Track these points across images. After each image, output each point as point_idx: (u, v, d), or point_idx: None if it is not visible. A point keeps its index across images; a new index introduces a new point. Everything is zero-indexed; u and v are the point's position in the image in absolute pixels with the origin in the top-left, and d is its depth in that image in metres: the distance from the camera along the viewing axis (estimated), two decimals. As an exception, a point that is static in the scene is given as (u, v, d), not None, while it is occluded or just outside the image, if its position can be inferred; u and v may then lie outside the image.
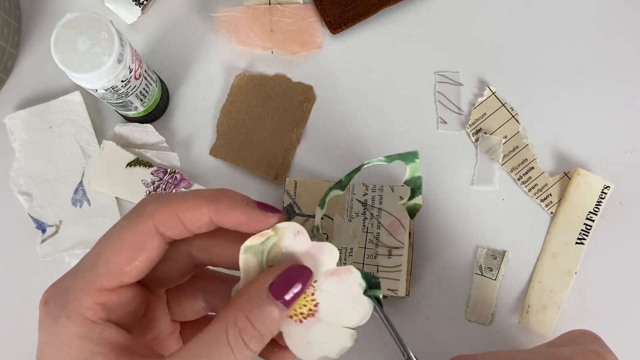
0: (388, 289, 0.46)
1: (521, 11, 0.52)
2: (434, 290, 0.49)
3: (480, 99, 0.51)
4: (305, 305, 0.28)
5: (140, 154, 0.49)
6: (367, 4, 0.51)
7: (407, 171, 0.38)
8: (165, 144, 0.50)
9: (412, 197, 0.39)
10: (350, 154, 0.51)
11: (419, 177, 0.38)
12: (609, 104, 0.51)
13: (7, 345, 0.49)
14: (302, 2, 0.52)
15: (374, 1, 0.51)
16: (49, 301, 0.28)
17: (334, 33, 0.52)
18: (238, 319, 0.26)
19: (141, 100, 0.46)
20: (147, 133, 0.50)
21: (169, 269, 0.30)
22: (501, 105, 0.51)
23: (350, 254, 0.47)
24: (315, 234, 0.34)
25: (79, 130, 0.50)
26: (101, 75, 0.40)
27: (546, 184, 0.50)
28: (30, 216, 0.49)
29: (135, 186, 0.48)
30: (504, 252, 0.49)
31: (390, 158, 0.36)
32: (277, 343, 0.29)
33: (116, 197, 0.49)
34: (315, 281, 0.29)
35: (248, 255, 0.28)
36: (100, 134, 0.51)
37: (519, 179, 0.50)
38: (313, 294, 0.28)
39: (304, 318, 0.28)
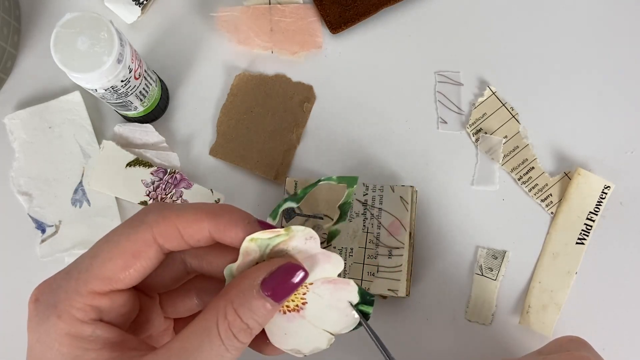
0: (388, 289, 0.46)
1: (521, 11, 0.52)
2: (434, 290, 0.49)
3: (480, 99, 0.51)
4: (293, 301, 0.28)
5: (140, 154, 0.49)
6: (367, 4, 0.51)
7: (344, 194, 0.40)
8: (165, 144, 0.50)
9: (338, 221, 0.41)
10: (350, 154, 0.51)
11: (349, 203, 0.41)
12: (609, 104, 0.51)
13: (7, 345, 0.49)
14: (302, 2, 0.52)
15: (374, 1, 0.51)
16: (40, 299, 0.27)
17: (334, 33, 0.52)
18: (227, 312, 0.26)
19: (141, 100, 0.46)
20: (147, 133, 0.50)
21: (163, 275, 0.30)
22: (501, 105, 0.51)
23: (351, 254, 0.47)
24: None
25: (78, 130, 0.50)
26: (101, 75, 0.40)
27: (546, 184, 0.50)
28: (30, 216, 0.49)
29: (135, 186, 0.48)
30: (504, 252, 0.49)
31: (339, 179, 0.38)
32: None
33: (116, 197, 0.49)
34: (311, 283, 0.29)
35: (252, 244, 0.28)
36: (100, 134, 0.51)
37: (519, 179, 0.50)
38: (304, 294, 0.29)
39: (289, 311, 0.28)
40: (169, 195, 0.48)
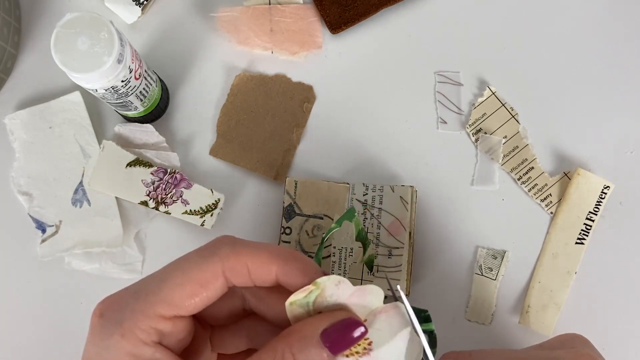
0: (388, 289, 0.46)
1: (521, 11, 0.52)
2: (433, 290, 0.49)
3: (480, 99, 0.51)
4: (359, 345, 0.29)
5: (140, 154, 0.49)
6: (367, 4, 0.51)
7: (353, 228, 0.44)
8: (165, 144, 0.50)
9: (365, 249, 0.43)
10: (350, 154, 0.51)
11: (362, 229, 0.44)
12: (609, 104, 0.51)
13: (7, 345, 0.49)
14: (302, 2, 0.52)
15: (374, 1, 0.51)
16: (105, 315, 0.28)
17: (334, 33, 0.52)
18: (285, 356, 0.27)
19: (141, 100, 0.46)
20: (147, 133, 0.50)
21: (221, 308, 0.31)
22: (501, 105, 0.51)
23: (351, 254, 0.47)
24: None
25: (79, 130, 0.50)
26: (101, 75, 0.40)
27: (546, 184, 0.50)
28: (30, 216, 0.49)
29: (135, 186, 0.48)
30: (504, 252, 0.49)
31: (339, 221, 0.41)
32: None
33: (116, 197, 0.49)
34: (365, 320, 0.29)
35: (294, 307, 0.28)
36: (100, 134, 0.51)
37: (519, 179, 0.50)
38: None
39: (360, 356, 0.29)
40: (169, 195, 0.48)
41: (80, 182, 0.50)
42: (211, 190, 0.48)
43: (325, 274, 0.29)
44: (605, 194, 0.49)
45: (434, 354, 0.30)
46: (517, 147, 0.50)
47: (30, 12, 0.53)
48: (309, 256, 0.47)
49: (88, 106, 0.51)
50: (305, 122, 0.51)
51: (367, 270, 0.47)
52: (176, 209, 0.48)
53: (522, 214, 0.50)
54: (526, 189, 0.50)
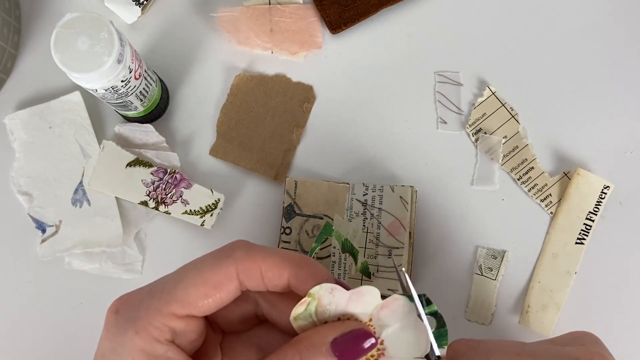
0: (388, 289, 0.46)
1: (521, 11, 0.52)
2: (433, 290, 0.49)
3: (480, 99, 0.51)
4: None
5: (140, 154, 0.49)
6: (367, 4, 0.51)
7: (336, 242, 0.45)
8: (165, 144, 0.50)
9: (355, 260, 0.45)
10: (350, 154, 0.51)
11: (346, 240, 0.44)
12: (609, 104, 0.51)
13: (7, 345, 0.49)
14: (302, 2, 0.52)
15: (374, 1, 0.51)
16: (120, 311, 0.29)
17: (334, 33, 0.52)
18: None
19: (141, 100, 0.46)
20: (147, 133, 0.50)
21: (234, 312, 0.32)
22: (501, 105, 0.51)
23: (350, 254, 0.47)
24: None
25: (79, 130, 0.50)
26: (101, 75, 0.40)
27: (546, 184, 0.50)
28: (30, 216, 0.49)
29: (135, 186, 0.48)
30: (504, 252, 0.49)
31: (318, 240, 0.42)
32: None
33: (116, 197, 0.49)
34: (370, 320, 0.29)
35: (299, 321, 0.29)
36: (100, 134, 0.51)
37: (518, 179, 0.50)
38: (375, 332, 0.29)
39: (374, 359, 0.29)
40: (169, 195, 0.48)
41: (80, 182, 0.50)
42: (211, 190, 0.48)
43: (337, 281, 0.29)
44: (605, 194, 0.49)
45: (445, 333, 0.31)
46: (517, 147, 0.50)
47: (30, 12, 0.53)
48: (309, 256, 0.47)
49: (88, 106, 0.51)
50: (305, 122, 0.51)
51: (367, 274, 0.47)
52: (176, 209, 0.48)
53: (522, 214, 0.50)
54: (526, 189, 0.50)
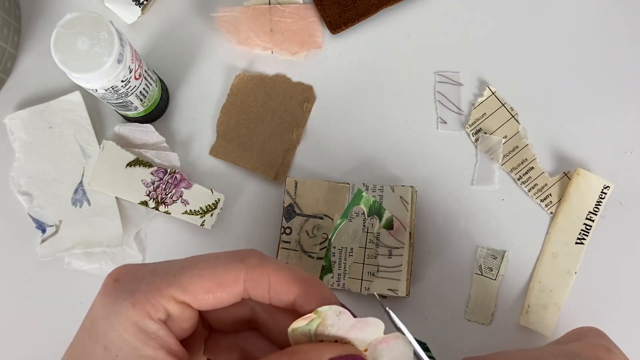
0: (388, 289, 0.46)
1: (521, 11, 0.52)
2: (434, 290, 0.49)
3: (480, 99, 0.51)
4: None
5: (140, 154, 0.49)
6: (367, 4, 0.51)
7: (364, 209, 0.45)
8: (165, 144, 0.50)
9: (381, 218, 0.46)
10: (350, 153, 0.51)
11: (374, 202, 0.45)
12: (609, 104, 0.51)
13: (7, 345, 0.49)
14: (302, 2, 0.52)
15: (374, 1, 0.51)
16: (120, 280, 0.28)
17: (334, 33, 0.52)
18: None
19: (141, 100, 0.46)
20: (147, 133, 0.50)
21: (229, 315, 0.31)
22: (501, 105, 0.51)
23: (351, 254, 0.47)
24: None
25: (79, 130, 0.50)
26: (101, 75, 0.40)
27: (546, 184, 0.50)
28: (30, 216, 0.49)
29: (135, 186, 0.48)
30: (504, 252, 0.49)
31: (346, 211, 0.43)
32: None
33: (116, 197, 0.49)
34: (366, 350, 0.29)
35: (296, 334, 0.29)
36: (100, 134, 0.51)
37: (518, 179, 0.50)
38: None
39: None
40: (169, 195, 0.48)
41: (80, 182, 0.50)
42: (211, 190, 0.48)
43: (342, 305, 0.29)
44: (605, 194, 0.49)
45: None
46: (517, 147, 0.50)
47: (30, 12, 0.53)
48: (309, 256, 0.47)
49: (88, 106, 0.51)
50: (305, 122, 0.51)
51: (367, 271, 0.47)
52: (176, 209, 0.48)
53: (522, 214, 0.50)
54: (526, 189, 0.50)
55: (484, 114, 0.51)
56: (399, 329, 0.30)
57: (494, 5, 0.52)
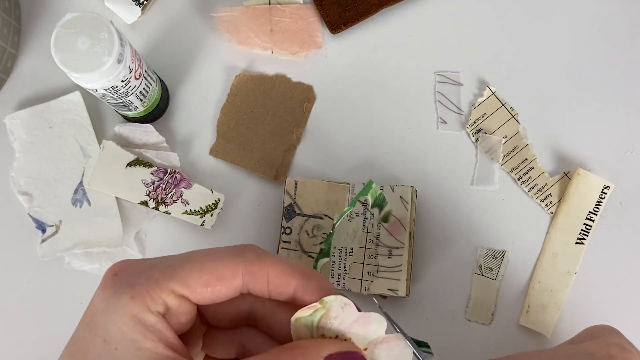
0: (388, 289, 0.46)
1: (521, 11, 0.52)
2: (434, 290, 0.49)
3: (480, 99, 0.51)
4: None
5: (140, 154, 0.49)
6: (367, 4, 0.51)
7: (370, 199, 0.46)
8: (165, 144, 0.50)
9: (382, 210, 0.46)
10: (350, 154, 0.51)
11: (380, 194, 0.46)
12: (609, 104, 0.51)
13: (7, 345, 0.49)
14: (302, 2, 0.52)
15: (374, 1, 0.51)
16: (119, 274, 0.29)
17: (334, 33, 0.52)
18: None
19: (141, 100, 0.46)
20: (147, 133, 0.50)
21: (227, 310, 0.32)
22: (501, 105, 0.51)
23: (351, 253, 0.47)
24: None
25: (79, 130, 0.50)
26: (101, 75, 0.40)
27: (546, 184, 0.50)
28: (30, 216, 0.49)
29: (135, 186, 0.48)
30: (504, 252, 0.49)
31: (353, 202, 0.44)
32: None
33: (116, 197, 0.49)
34: (365, 349, 0.29)
35: (299, 325, 0.29)
36: (100, 134, 0.51)
37: (518, 179, 0.50)
38: None
39: None
40: (169, 195, 0.48)
41: (80, 182, 0.50)
42: (211, 190, 0.48)
43: (343, 296, 0.29)
44: (605, 194, 0.49)
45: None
46: (517, 147, 0.50)
47: (30, 12, 0.53)
48: (309, 256, 0.47)
49: (88, 106, 0.51)
50: (305, 122, 0.51)
51: (367, 271, 0.47)
52: (176, 209, 0.48)
53: (522, 214, 0.50)
54: (526, 189, 0.50)
55: (484, 114, 0.51)
56: (398, 330, 0.30)
57: (494, 5, 0.52)
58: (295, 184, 0.48)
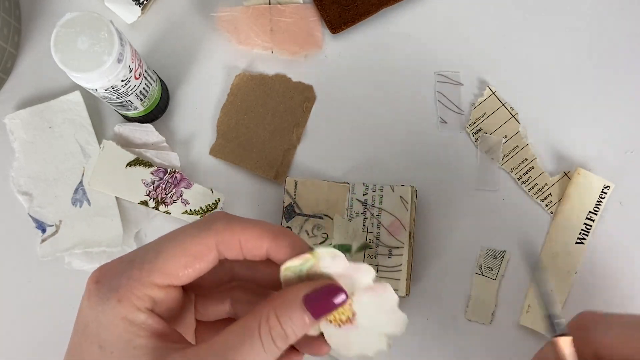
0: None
1: (521, 11, 0.52)
2: (434, 289, 0.49)
3: (480, 99, 0.51)
4: (343, 314, 0.30)
5: (140, 154, 0.49)
6: (367, 4, 0.51)
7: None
8: (165, 144, 0.50)
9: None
10: (350, 153, 0.51)
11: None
12: (609, 104, 0.51)
13: (7, 345, 0.49)
14: (302, 2, 0.52)
15: (374, 1, 0.51)
16: (102, 281, 0.29)
17: (334, 33, 0.52)
18: (270, 318, 0.28)
19: (141, 100, 0.46)
20: (147, 133, 0.50)
21: (209, 279, 0.32)
22: (501, 105, 0.51)
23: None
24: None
25: (79, 130, 0.50)
26: (101, 75, 0.40)
27: (546, 184, 0.50)
28: (30, 216, 0.49)
29: (135, 186, 0.48)
30: (504, 252, 0.49)
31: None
32: (292, 347, 0.31)
33: (116, 197, 0.49)
34: (353, 294, 0.30)
35: (288, 273, 0.30)
36: (100, 134, 0.51)
37: (519, 179, 0.50)
38: (351, 305, 0.30)
39: (343, 324, 0.30)
40: (169, 195, 0.48)
41: (80, 182, 0.50)
42: (211, 190, 0.48)
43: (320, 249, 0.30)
44: (605, 193, 0.49)
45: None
46: (517, 147, 0.50)
47: (30, 12, 0.53)
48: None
49: (88, 106, 0.51)
50: (305, 122, 0.51)
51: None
52: (176, 208, 0.48)
53: (522, 214, 0.50)
54: (526, 189, 0.50)
55: (484, 113, 0.51)
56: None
57: (494, 5, 0.52)
58: (295, 183, 0.48)
